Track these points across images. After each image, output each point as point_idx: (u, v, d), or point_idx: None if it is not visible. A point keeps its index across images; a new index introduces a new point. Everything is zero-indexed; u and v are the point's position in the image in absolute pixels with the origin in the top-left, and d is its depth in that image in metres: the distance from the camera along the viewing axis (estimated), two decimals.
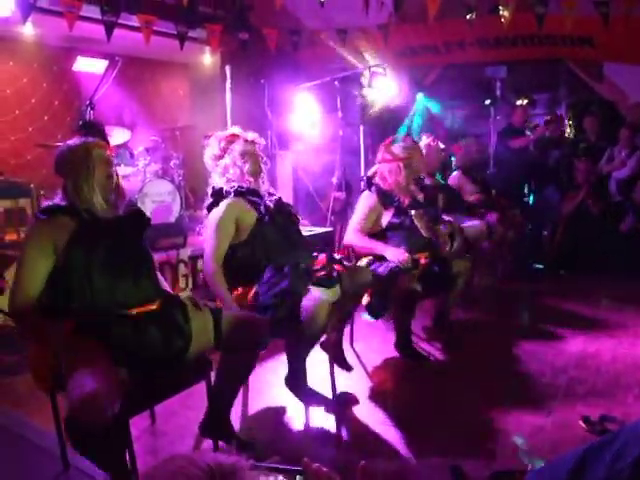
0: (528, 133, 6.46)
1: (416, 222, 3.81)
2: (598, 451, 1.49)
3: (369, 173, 4.02)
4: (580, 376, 3.39)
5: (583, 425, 2.71)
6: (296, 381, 2.94)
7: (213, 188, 3.08)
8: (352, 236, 3.75)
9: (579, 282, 5.75)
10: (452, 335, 4.08)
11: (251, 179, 3.06)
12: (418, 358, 3.69)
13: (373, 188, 3.82)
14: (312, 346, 2.90)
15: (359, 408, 3.01)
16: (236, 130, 3.14)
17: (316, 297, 2.78)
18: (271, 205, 3.08)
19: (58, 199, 2.35)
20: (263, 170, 3.13)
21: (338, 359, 3.46)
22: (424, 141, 4.86)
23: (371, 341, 4.04)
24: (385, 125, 7.23)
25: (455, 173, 5.53)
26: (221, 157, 3.07)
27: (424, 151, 4.63)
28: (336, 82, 5.36)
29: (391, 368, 3.64)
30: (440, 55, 7.27)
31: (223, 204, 2.98)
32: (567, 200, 6.40)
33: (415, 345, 3.81)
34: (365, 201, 3.82)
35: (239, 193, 3.01)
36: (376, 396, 3.20)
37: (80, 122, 3.99)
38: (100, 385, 1.90)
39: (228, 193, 3.01)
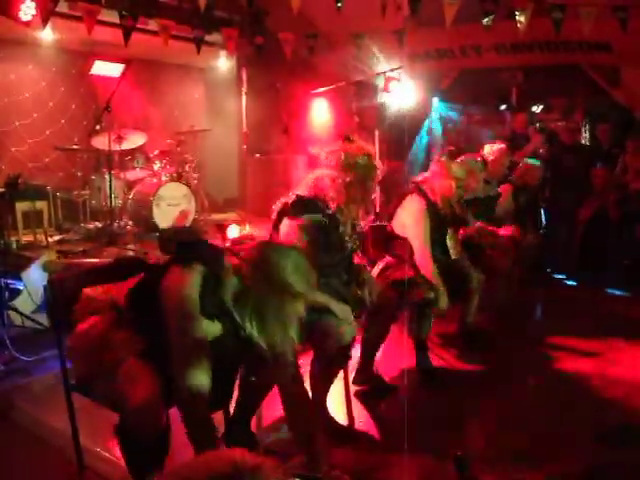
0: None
1: (448, 240, 3.73)
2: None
3: (418, 179, 3.82)
4: (599, 384, 3.36)
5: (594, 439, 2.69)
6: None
7: (298, 197, 2.87)
8: (425, 255, 3.51)
9: (596, 289, 5.69)
10: (469, 344, 4.03)
11: (330, 204, 2.91)
12: (431, 373, 3.59)
13: (422, 194, 3.63)
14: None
15: (377, 416, 3.00)
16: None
17: None
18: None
19: None
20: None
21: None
22: (491, 148, 4.86)
23: (387, 348, 4.00)
24: (400, 130, 7.21)
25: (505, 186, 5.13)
26: (333, 168, 2.93)
27: (491, 158, 4.72)
28: (352, 86, 5.36)
29: (408, 376, 3.60)
30: (456, 60, 7.24)
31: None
32: (585, 207, 6.34)
33: (431, 354, 3.72)
34: (418, 205, 3.59)
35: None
36: (393, 404, 3.19)
37: None
38: (152, 394, 1.92)
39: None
